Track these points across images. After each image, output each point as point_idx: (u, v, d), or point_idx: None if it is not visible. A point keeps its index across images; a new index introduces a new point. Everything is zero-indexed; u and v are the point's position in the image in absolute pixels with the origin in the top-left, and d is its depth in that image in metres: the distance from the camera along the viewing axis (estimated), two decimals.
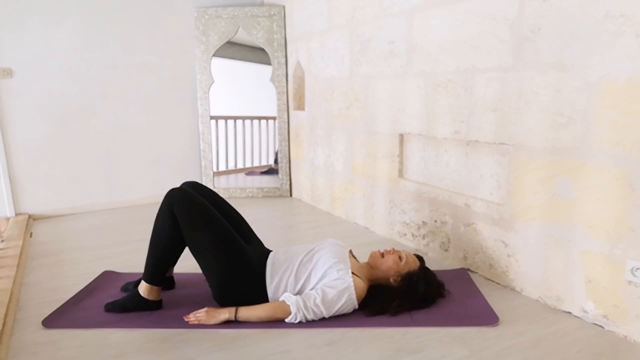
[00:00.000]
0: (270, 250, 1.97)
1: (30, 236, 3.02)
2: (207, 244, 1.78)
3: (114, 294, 2.06)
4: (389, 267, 1.86)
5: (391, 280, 1.86)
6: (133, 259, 2.53)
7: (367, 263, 1.94)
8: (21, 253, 2.54)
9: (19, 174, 3.41)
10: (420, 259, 1.94)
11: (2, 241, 2.79)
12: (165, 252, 1.87)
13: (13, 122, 3.33)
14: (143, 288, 1.87)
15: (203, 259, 1.81)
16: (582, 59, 1.68)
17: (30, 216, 3.42)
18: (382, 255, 1.91)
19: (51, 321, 1.80)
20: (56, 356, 1.59)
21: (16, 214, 3.42)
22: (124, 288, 2.07)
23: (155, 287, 1.88)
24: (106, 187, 3.69)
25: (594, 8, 1.63)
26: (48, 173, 3.50)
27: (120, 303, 1.89)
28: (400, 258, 1.88)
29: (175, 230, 1.80)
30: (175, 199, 1.81)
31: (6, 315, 1.79)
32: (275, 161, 4.12)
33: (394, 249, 1.93)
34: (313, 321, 1.74)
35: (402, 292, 1.83)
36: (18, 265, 2.35)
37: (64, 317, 1.84)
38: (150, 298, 1.87)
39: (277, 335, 1.68)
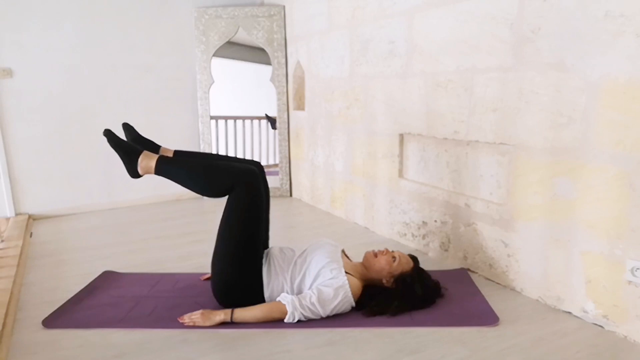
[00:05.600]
0: (265, 248, 1.97)
1: (30, 236, 3.02)
2: (235, 237, 1.79)
3: (114, 294, 2.06)
4: (382, 268, 1.85)
5: (384, 281, 1.86)
6: (133, 259, 2.54)
7: (361, 263, 1.93)
8: (21, 253, 2.54)
9: (19, 174, 3.40)
10: (414, 259, 1.94)
11: (2, 241, 2.79)
12: (198, 174, 1.83)
13: (13, 122, 3.33)
14: (145, 162, 1.84)
15: (222, 249, 1.81)
16: (582, 59, 1.68)
17: (30, 216, 3.42)
18: (376, 255, 1.90)
19: (51, 321, 1.80)
20: (56, 356, 1.59)
21: (16, 214, 3.42)
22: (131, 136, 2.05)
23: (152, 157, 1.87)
24: (106, 187, 3.69)
25: (594, 8, 1.63)
26: (48, 173, 3.50)
27: (120, 142, 1.87)
28: (393, 259, 1.87)
29: (227, 195, 1.80)
30: (250, 180, 1.79)
31: (6, 315, 1.79)
32: (274, 125, 4.08)
33: (387, 250, 1.92)
34: (310, 320, 1.74)
35: (400, 293, 1.82)
36: (18, 265, 2.35)
37: (64, 317, 1.84)
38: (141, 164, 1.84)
39: (277, 335, 1.68)
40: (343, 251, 1.97)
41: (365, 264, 1.91)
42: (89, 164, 3.61)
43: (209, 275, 1.96)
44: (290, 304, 1.71)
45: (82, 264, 2.47)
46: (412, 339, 1.65)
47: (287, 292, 1.79)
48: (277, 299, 1.76)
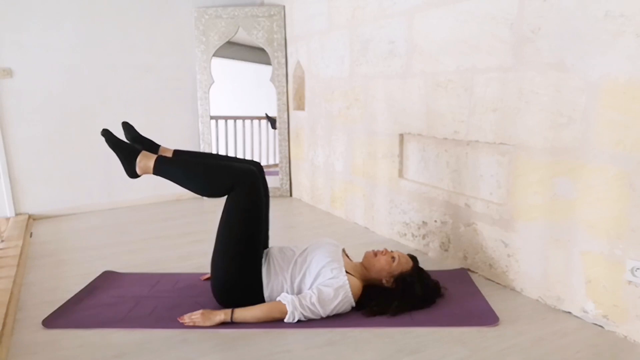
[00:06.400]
0: (265, 247, 1.97)
1: (30, 236, 3.02)
2: (235, 237, 1.79)
3: (114, 294, 2.06)
4: (382, 268, 1.86)
5: (384, 281, 1.86)
6: (133, 259, 2.54)
7: (361, 263, 1.94)
8: (21, 253, 2.54)
9: (19, 174, 3.40)
10: (413, 259, 1.93)
11: (2, 241, 2.79)
12: (198, 175, 1.83)
13: (13, 122, 3.33)
14: (143, 162, 1.83)
15: (222, 249, 1.81)
16: (582, 59, 1.68)
17: (30, 216, 3.42)
18: (375, 255, 1.90)
19: (51, 321, 1.80)
20: (56, 356, 1.59)
21: (16, 214, 3.42)
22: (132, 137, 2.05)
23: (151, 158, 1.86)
24: (106, 187, 3.69)
25: (594, 8, 1.63)
26: (48, 173, 3.50)
27: (118, 142, 1.86)
28: (392, 259, 1.87)
29: (227, 195, 1.81)
30: (251, 180, 1.79)
31: (6, 315, 1.79)
32: (274, 125, 4.10)
33: (386, 250, 1.92)
34: (310, 320, 1.74)
35: (400, 293, 1.82)
36: (18, 265, 2.35)
37: (64, 317, 1.84)
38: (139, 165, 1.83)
39: (277, 335, 1.68)
40: (344, 250, 1.97)
41: (365, 264, 1.91)
42: (89, 164, 3.61)
43: (208, 275, 1.96)
44: (291, 304, 1.71)
45: (82, 264, 2.47)
46: (412, 339, 1.65)
47: (287, 292, 1.79)
48: (277, 298, 1.76)
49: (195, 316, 1.74)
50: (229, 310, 1.75)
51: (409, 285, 1.83)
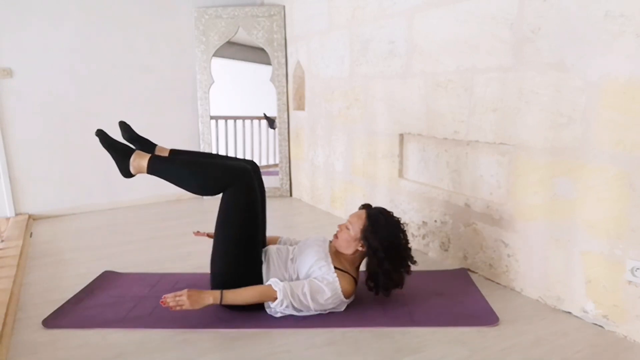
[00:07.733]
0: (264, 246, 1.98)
1: (30, 236, 3.02)
2: (233, 236, 1.79)
3: (114, 294, 2.06)
4: (347, 242, 1.83)
5: (359, 249, 1.83)
6: (133, 259, 2.54)
7: (336, 252, 1.90)
8: (21, 253, 2.54)
9: (19, 174, 3.40)
10: (365, 206, 1.90)
11: (2, 241, 2.79)
12: (191, 173, 1.83)
13: (13, 122, 3.33)
14: (137, 162, 1.85)
15: (221, 249, 1.81)
16: (582, 59, 1.68)
17: (30, 216, 3.41)
18: (336, 236, 1.89)
19: (51, 321, 1.80)
20: (56, 356, 1.59)
21: (16, 214, 3.42)
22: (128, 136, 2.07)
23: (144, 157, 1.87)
24: (106, 187, 3.69)
25: (594, 8, 1.63)
26: (48, 173, 3.50)
27: (112, 142, 1.89)
28: (347, 228, 1.84)
29: (222, 193, 1.81)
30: (245, 179, 1.79)
31: (6, 315, 1.79)
32: (272, 125, 4.11)
33: (339, 225, 1.90)
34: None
35: (376, 250, 1.77)
36: (18, 265, 2.35)
37: (64, 317, 1.84)
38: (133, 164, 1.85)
39: (277, 335, 1.68)
40: (330, 242, 1.95)
41: (338, 250, 1.88)
42: (89, 164, 3.60)
43: (203, 233, 2.06)
44: (282, 292, 1.70)
45: (82, 264, 2.47)
46: (412, 339, 1.65)
47: None
48: (268, 282, 1.75)
49: (181, 298, 1.63)
50: (217, 293, 1.69)
51: (373, 225, 1.78)
